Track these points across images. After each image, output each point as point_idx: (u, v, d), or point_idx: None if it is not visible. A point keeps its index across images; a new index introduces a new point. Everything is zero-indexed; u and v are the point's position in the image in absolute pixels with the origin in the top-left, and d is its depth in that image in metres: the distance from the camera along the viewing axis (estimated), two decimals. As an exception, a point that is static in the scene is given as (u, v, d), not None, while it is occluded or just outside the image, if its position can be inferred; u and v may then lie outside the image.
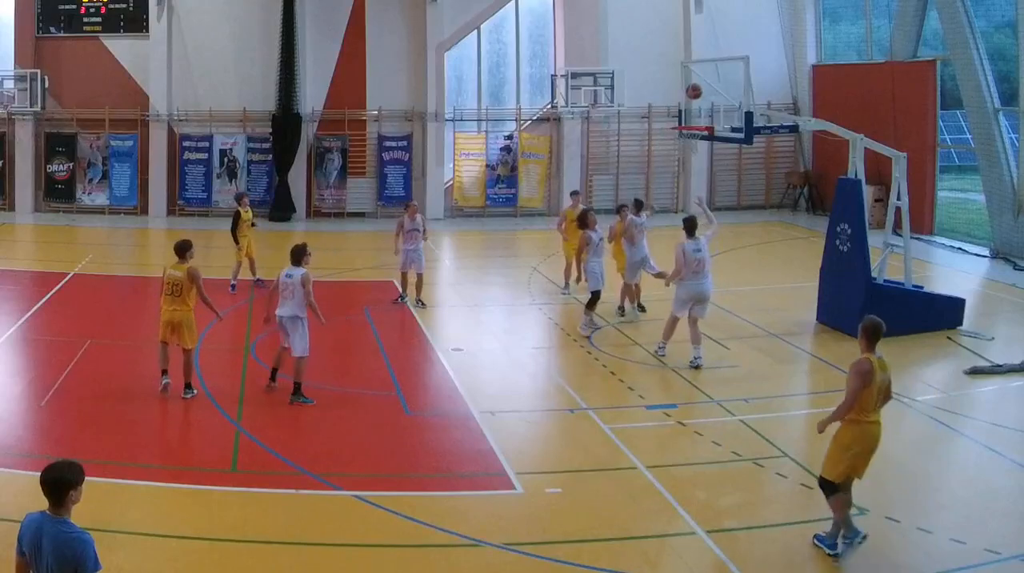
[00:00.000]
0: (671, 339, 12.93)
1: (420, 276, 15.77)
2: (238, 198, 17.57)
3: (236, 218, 16.71)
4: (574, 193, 18.92)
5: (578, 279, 16.18)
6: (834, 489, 7.50)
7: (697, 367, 12.40)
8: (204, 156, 25.53)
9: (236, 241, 16.69)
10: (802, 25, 26.31)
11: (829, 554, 7.52)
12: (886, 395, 7.65)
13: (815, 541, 7.68)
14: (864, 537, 7.56)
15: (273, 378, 11.47)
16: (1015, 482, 9.10)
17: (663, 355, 12.90)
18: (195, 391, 11.14)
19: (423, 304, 15.73)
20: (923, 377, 12.30)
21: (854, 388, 7.42)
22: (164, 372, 11.17)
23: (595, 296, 14.04)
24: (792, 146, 27.05)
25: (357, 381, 12.21)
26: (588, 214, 14.35)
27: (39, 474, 5.02)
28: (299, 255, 11.26)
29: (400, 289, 15.98)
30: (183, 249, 11.42)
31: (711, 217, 13.91)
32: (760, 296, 16.48)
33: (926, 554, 7.61)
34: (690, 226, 12.70)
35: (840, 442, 7.47)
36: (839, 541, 7.54)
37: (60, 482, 4.99)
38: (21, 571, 5.15)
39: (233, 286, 16.44)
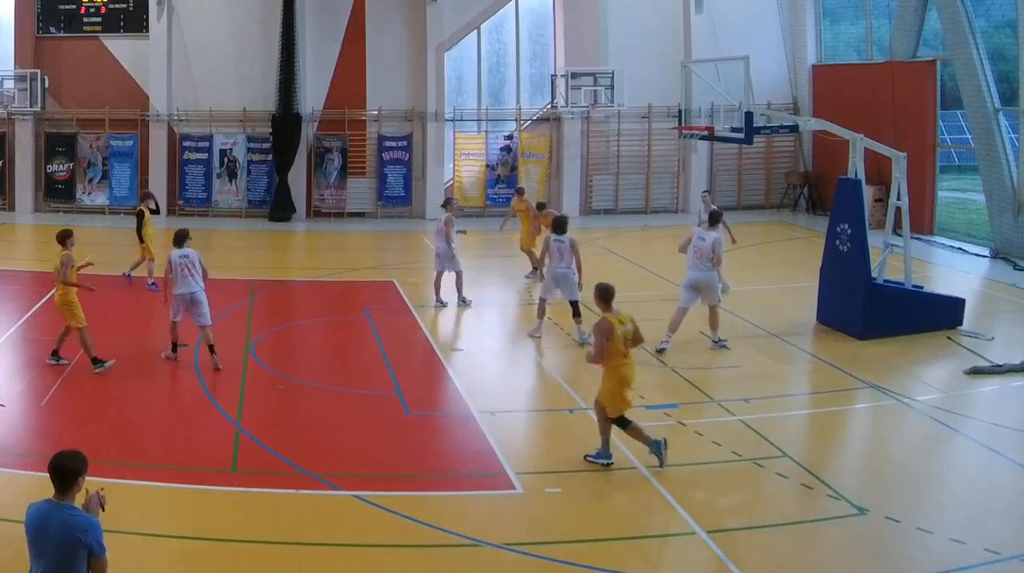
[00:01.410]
0: (676, 332, 13.29)
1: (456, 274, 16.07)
2: (142, 197, 18.07)
3: (140, 217, 16.89)
4: (519, 190, 19.91)
5: (536, 268, 16.93)
6: (625, 423, 9.10)
7: (723, 347, 13.26)
8: (204, 156, 25.53)
9: (141, 239, 16.85)
10: (802, 25, 26.31)
11: (605, 464, 9.14)
12: (634, 340, 9.25)
13: (588, 459, 9.23)
14: (609, 463, 9.17)
15: (175, 350, 12.50)
16: (1015, 482, 9.10)
17: (664, 349, 12.99)
18: (107, 364, 11.95)
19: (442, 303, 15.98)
20: (923, 377, 12.29)
21: (598, 344, 9.03)
22: (93, 359, 11.97)
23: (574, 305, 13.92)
24: (792, 146, 27.05)
25: (357, 381, 12.22)
26: (563, 220, 14.20)
27: (49, 461, 5.28)
28: (184, 238, 12.45)
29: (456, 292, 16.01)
30: (63, 237, 12.32)
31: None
32: (760, 296, 16.48)
33: (926, 554, 7.62)
34: (714, 218, 13.83)
35: (610, 386, 9.07)
36: (606, 454, 9.19)
37: (71, 470, 5.24)
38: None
39: (153, 285, 16.52)
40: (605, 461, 9.20)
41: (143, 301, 17.24)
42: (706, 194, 18.86)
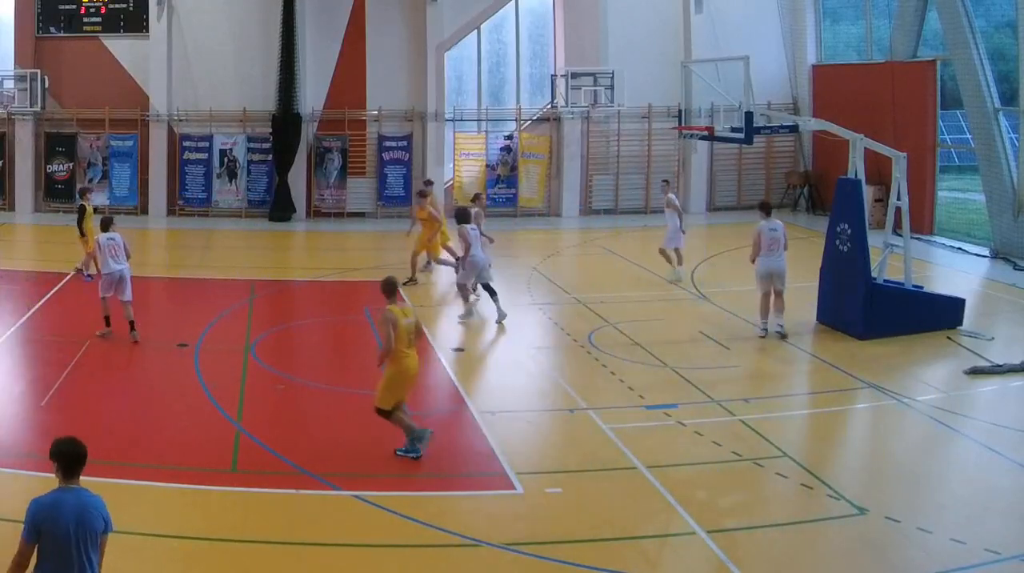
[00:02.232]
0: (766, 317, 13.96)
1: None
2: (82, 192, 18.39)
3: (82, 212, 17.14)
4: (428, 182, 20.15)
5: (415, 271, 17.35)
6: (389, 414, 9.38)
7: (783, 336, 13.70)
8: (204, 156, 25.52)
9: (82, 233, 17.02)
10: (802, 25, 26.30)
11: (415, 458, 9.30)
12: (417, 334, 9.64)
13: (398, 453, 9.38)
14: (431, 433, 9.41)
15: (108, 324, 13.54)
16: (1015, 482, 9.10)
17: (764, 335, 13.80)
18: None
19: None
20: (923, 377, 12.29)
21: (385, 334, 9.24)
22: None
23: (464, 289, 14.98)
24: (792, 146, 27.04)
25: (357, 381, 12.20)
26: (466, 210, 15.20)
27: (53, 448, 5.52)
28: (109, 223, 13.82)
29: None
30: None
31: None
32: (761, 294, 16.45)
33: (926, 554, 7.61)
34: (766, 208, 14.54)
35: (389, 377, 9.31)
36: (419, 446, 9.34)
37: (79, 454, 5.51)
38: (26, 558, 5.36)
39: (89, 276, 16.78)
40: (414, 455, 9.36)
41: (141, 301, 17.26)
42: (665, 183, 19.47)
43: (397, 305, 9.48)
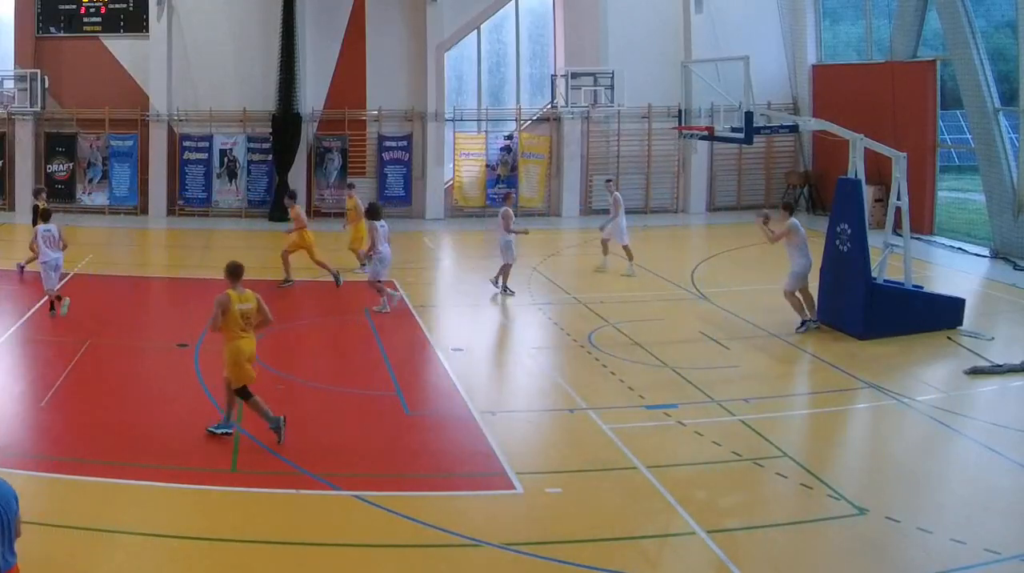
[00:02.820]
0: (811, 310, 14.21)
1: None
2: (36, 192, 18.71)
3: (36, 211, 17.15)
4: (350, 185, 20.67)
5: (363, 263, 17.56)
6: (247, 395, 9.72)
7: (818, 327, 14.06)
8: (204, 156, 25.53)
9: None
10: (802, 25, 26.30)
11: (224, 433, 9.77)
12: (257, 320, 9.95)
13: (209, 431, 9.80)
14: (284, 420, 9.78)
15: (52, 309, 14.56)
16: (1015, 482, 9.10)
17: (817, 326, 14.10)
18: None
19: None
20: (923, 377, 12.29)
21: (214, 314, 9.69)
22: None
23: (376, 284, 15.49)
24: (792, 146, 27.05)
25: (357, 381, 12.22)
26: (377, 206, 15.70)
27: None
28: (49, 215, 15.04)
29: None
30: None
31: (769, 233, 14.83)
32: (760, 296, 16.46)
33: (926, 554, 7.61)
34: (790, 207, 14.83)
35: (229, 358, 9.74)
36: (230, 423, 9.87)
37: None
38: None
39: (21, 267, 17.37)
40: (225, 430, 9.81)
41: (140, 301, 17.27)
42: (609, 182, 20.03)
43: (236, 290, 9.82)
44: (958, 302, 14.46)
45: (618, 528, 8.14)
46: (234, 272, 9.95)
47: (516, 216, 25.67)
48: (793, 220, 14.37)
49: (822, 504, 8.51)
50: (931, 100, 22.41)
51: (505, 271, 16.66)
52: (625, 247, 18.49)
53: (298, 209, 17.55)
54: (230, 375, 9.79)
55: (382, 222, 15.31)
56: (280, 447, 9.65)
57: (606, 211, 26.20)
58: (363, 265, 17.59)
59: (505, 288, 16.63)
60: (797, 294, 14.25)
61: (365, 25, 25.72)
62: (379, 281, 15.32)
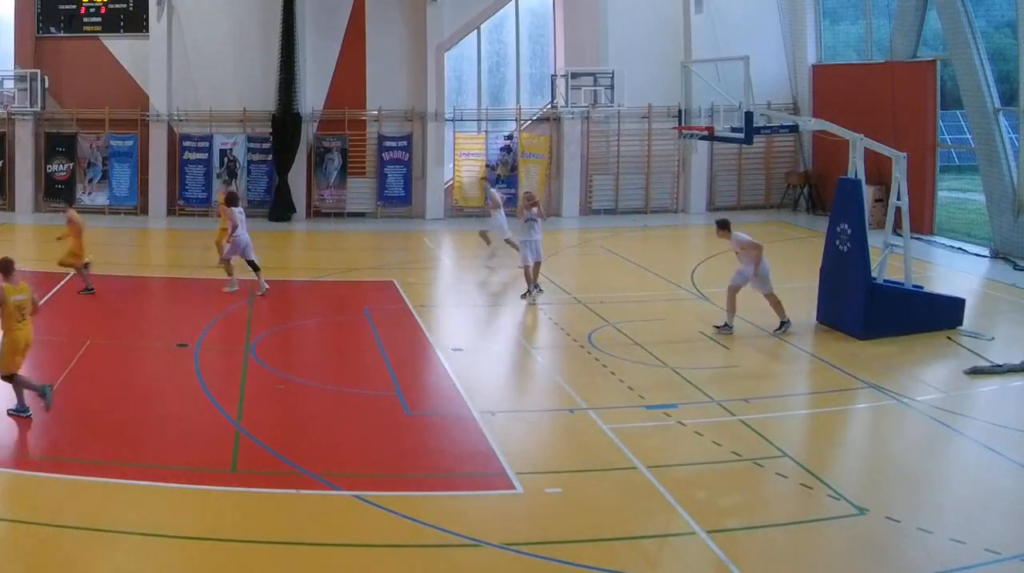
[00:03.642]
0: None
1: (538, 265, 16.36)
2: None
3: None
4: (226, 182, 21.93)
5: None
6: (11, 379, 10.20)
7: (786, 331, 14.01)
8: (204, 156, 25.53)
9: None
10: (802, 25, 26.30)
11: (27, 416, 10.15)
12: (29, 310, 10.38)
13: (10, 413, 10.16)
14: (51, 387, 10.31)
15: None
16: (1015, 482, 9.10)
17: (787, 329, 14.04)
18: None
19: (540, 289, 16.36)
20: (923, 377, 12.29)
21: None
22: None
23: (227, 263, 16.67)
24: (792, 146, 27.04)
25: (357, 381, 12.22)
26: (234, 194, 17.32)
27: None
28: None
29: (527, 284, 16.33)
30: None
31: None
32: (760, 296, 16.46)
33: (926, 554, 7.61)
34: (727, 225, 14.39)
35: (5, 347, 10.17)
36: (44, 400, 10.19)
37: None
38: None
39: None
40: (25, 414, 10.24)
41: (140, 301, 17.27)
42: (483, 179, 20.92)
43: (10, 282, 10.26)
44: (958, 302, 14.46)
45: (618, 528, 8.14)
46: (5, 267, 10.39)
47: (516, 216, 25.89)
48: (741, 235, 14.21)
49: (822, 504, 8.51)
50: (931, 100, 22.41)
51: (527, 273, 16.22)
52: (508, 241, 19.16)
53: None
54: (6, 364, 10.17)
55: (239, 209, 16.65)
56: (280, 447, 9.65)
57: (607, 211, 26.37)
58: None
59: (535, 287, 16.23)
60: (735, 297, 14.11)
61: (365, 25, 25.71)
62: (230, 262, 16.56)
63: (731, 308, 14.18)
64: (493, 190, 20.51)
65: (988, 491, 8.87)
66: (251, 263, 16.61)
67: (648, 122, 26.27)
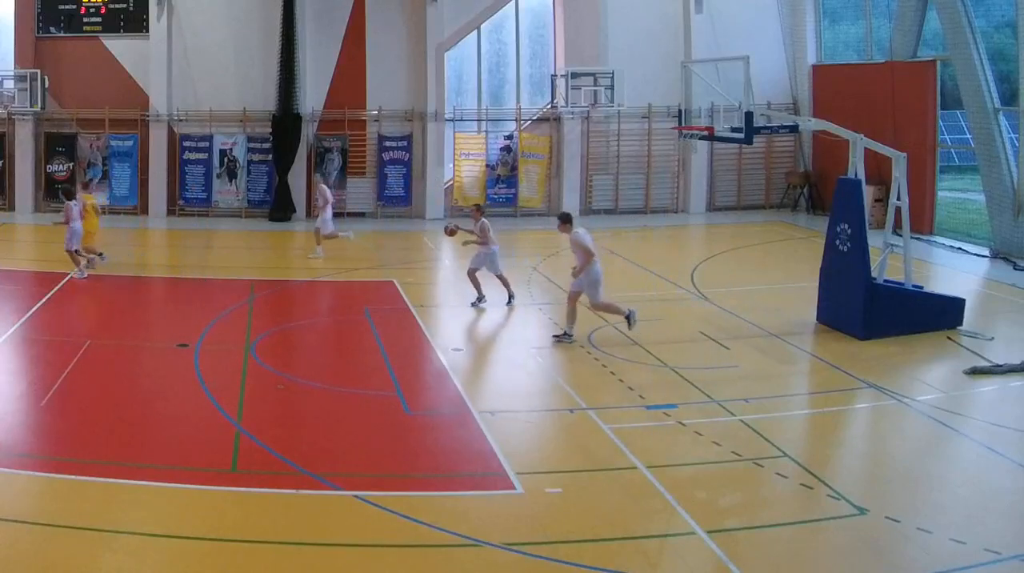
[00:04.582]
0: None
1: (502, 278, 16.04)
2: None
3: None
4: (87, 183, 22.58)
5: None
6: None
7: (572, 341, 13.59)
8: (204, 156, 25.54)
9: None
10: (802, 25, 26.31)
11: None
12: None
13: None
14: None
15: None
16: (1015, 482, 9.10)
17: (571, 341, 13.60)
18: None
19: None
20: (923, 377, 12.29)
21: None
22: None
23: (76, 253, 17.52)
24: (792, 146, 27.05)
25: (357, 381, 12.22)
26: (71, 189, 18.45)
27: None
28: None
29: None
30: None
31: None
32: (760, 296, 16.49)
33: (926, 554, 7.61)
34: (570, 219, 14.03)
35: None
36: None
37: None
38: None
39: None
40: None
41: (140, 301, 17.28)
42: (321, 181, 21.30)
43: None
44: (958, 302, 14.45)
45: (618, 528, 8.14)
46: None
47: (516, 216, 25.94)
48: (580, 231, 13.68)
49: (822, 504, 8.51)
50: (931, 100, 22.40)
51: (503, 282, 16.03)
52: (329, 235, 20.04)
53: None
54: None
55: (75, 201, 17.58)
56: (280, 447, 9.66)
57: (607, 211, 26.38)
58: (100, 254, 18.46)
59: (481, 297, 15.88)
60: (576, 303, 13.72)
61: (365, 25, 25.72)
62: (74, 250, 17.34)
63: (571, 316, 13.67)
64: (324, 186, 20.89)
65: (988, 491, 8.87)
66: (100, 254, 18.04)
67: (648, 122, 26.27)
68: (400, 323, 14.90)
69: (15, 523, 7.76)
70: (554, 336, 13.85)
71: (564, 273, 18.80)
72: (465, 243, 16.16)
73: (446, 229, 16.55)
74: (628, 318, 13.69)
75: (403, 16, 25.86)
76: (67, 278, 17.05)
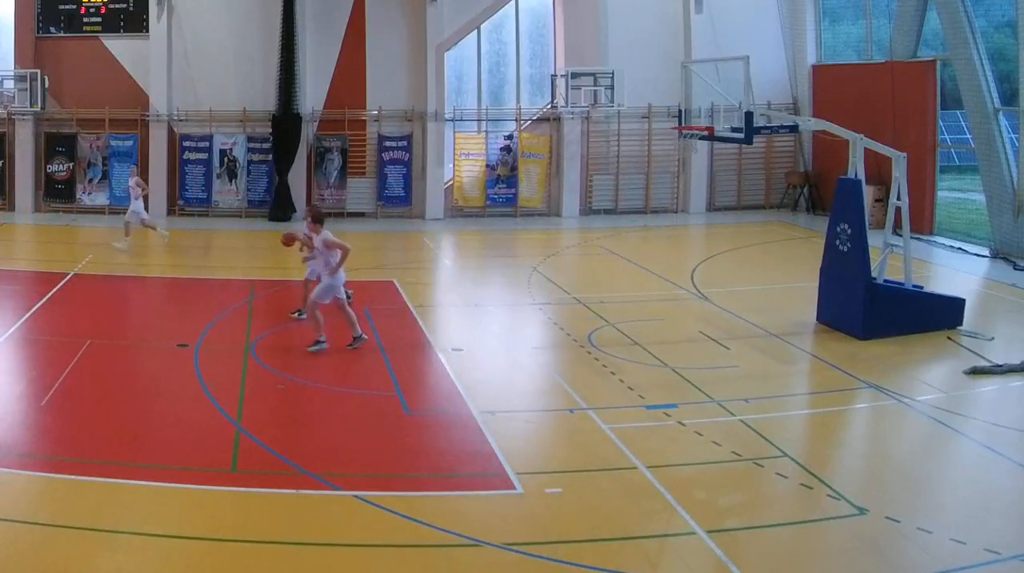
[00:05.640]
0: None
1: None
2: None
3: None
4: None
5: None
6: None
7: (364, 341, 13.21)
8: (204, 156, 25.53)
9: None
10: (802, 25, 26.30)
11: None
12: None
13: None
14: None
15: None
16: (1015, 482, 9.10)
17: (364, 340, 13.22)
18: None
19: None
20: (923, 377, 12.29)
21: None
22: None
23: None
24: (792, 146, 27.05)
25: (357, 381, 12.22)
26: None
27: None
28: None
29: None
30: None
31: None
32: (760, 296, 16.49)
33: (926, 554, 7.61)
34: (321, 218, 13.37)
35: None
36: None
37: None
38: None
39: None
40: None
41: (140, 301, 17.28)
42: (135, 172, 21.83)
43: None
44: (958, 302, 14.46)
45: (618, 528, 8.14)
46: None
47: (516, 216, 25.93)
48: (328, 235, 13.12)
49: (822, 504, 8.51)
50: (931, 100, 22.40)
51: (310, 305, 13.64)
52: (141, 223, 20.50)
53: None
54: None
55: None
56: (280, 447, 9.66)
57: (607, 211, 26.37)
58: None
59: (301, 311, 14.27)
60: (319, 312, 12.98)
61: (365, 25, 25.71)
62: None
63: (319, 321, 13.00)
64: (132, 180, 20.97)
65: (988, 491, 8.87)
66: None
67: (648, 122, 26.27)
68: (400, 323, 14.90)
69: (15, 523, 7.76)
70: (309, 348, 13.00)
71: (564, 273, 18.86)
72: (305, 259, 14.05)
73: (283, 237, 14.19)
74: (319, 342, 12.98)
75: (403, 16, 25.86)
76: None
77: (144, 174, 25.26)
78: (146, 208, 21.09)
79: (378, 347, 13.57)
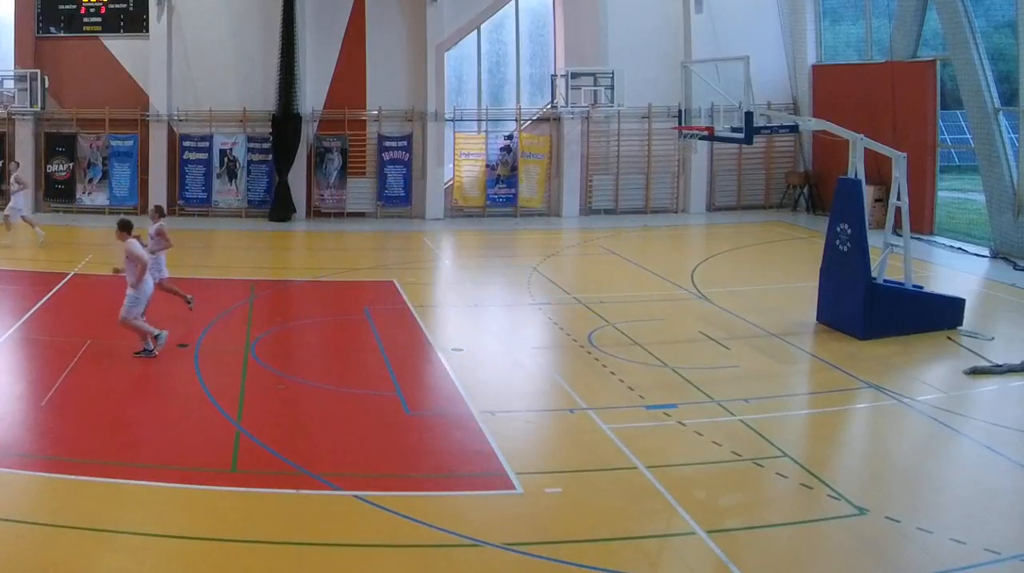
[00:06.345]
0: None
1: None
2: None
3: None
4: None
5: None
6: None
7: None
8: (204, 156, 25.53)
9: None
10: (802, 25, 26.30)
11: None
12: None
13: None
14: None
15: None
16: (1015, 482, 9.10)
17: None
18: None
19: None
20: (923, 377, 12.29)
21: None
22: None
23: None
24: (792, 146, 27.05)
25: (357, 381, 12.22)
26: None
27: None
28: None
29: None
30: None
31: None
32: (760, 296, 16.49)
33: (926, 554, 7.62)
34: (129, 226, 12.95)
35: None
36: None
37: None
38: None
39: None
40: None
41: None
42: (16, 169, 22.21)
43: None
44: (958, 302, 14.46)
45: (618, 528, 8.14)
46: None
47: (516, 216, 25.94)
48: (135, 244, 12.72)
49: (822, 504, 8.51)
50: (931, 100, 22.40)
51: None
52: (24, 219, 20.87)
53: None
54: None
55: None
56: (280, 447, 9.66)
57: (607, 211, 26.38)
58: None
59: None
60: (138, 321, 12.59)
61: (365, 25, 25.72)
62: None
63: (143, 329, 12.64)
64: (19, 173, 21.68)
65: (988, 491, 8.87)
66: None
67: (648, 122, 26.27)
68: (400, 323, 14.90)
69: (15, 523, 7.77)
70: (134, 353, 12.66)
71: (564, 273, 18.87)
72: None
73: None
74: (156, 338, 12.64)
75: (403, 16, 25.86)
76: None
77: (144, 174, 25.34)
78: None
79: (378, 347, 13.57)
